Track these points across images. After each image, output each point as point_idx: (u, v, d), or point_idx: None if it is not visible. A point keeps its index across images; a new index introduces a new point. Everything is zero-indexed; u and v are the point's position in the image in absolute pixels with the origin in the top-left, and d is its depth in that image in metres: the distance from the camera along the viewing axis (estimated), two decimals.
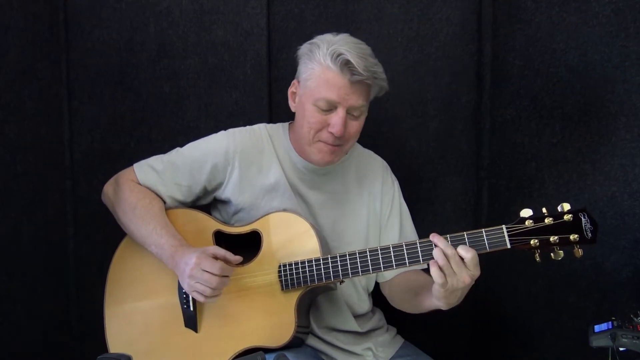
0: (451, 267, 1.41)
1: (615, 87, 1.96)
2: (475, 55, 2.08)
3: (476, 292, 2.10)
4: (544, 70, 2.03)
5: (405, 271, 1.74)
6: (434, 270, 1.43)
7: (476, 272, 1.43)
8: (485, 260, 2.08)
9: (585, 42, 1.98)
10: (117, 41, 2.12)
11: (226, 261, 1.58)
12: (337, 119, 1.60)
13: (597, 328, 1.53)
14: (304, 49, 1.65)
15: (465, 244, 1.45)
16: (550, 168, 2.04)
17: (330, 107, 1.60)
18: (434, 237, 1.45)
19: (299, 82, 1.67)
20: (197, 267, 1.54)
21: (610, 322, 1.52)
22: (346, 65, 1.56)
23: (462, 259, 1.42)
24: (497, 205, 2.10)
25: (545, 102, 2.03)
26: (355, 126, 1.65)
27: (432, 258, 1.45)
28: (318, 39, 1.63)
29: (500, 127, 2.08)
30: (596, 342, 1.50)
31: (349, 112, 1.61)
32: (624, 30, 1.95)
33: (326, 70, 1.58)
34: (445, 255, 1.42)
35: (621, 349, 1.48)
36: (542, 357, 2.09)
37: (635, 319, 1.50)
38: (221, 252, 1.58)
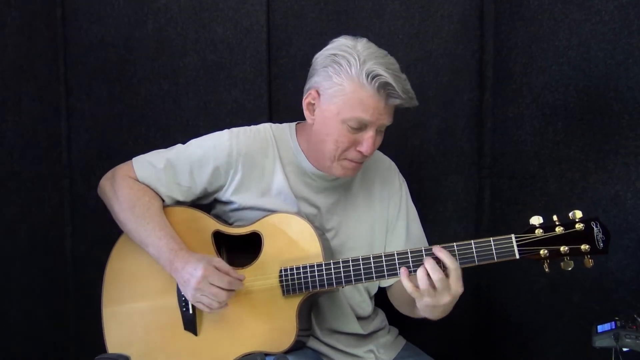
0: (433, 289, 1.40)
1: (618, 84, 1.94)
2: (477, 53, 2.07)
3: (478, 292, 2.10)
4: (546, 68, 2.01)
5: None
6: (405, 283, 1.42)
7: (458, 290, 1.41)
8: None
9: (588, 39, 1.97)
10: (115, 38, 2.11)
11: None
12: (368, 139, 1.54)
13: (600, 328, 1.52)
14: (324, 59, 1.55)
15: (472, 252, 1.43)
16: (552, 167, 2.02)
17: (361, 127, 1.54)
18: (437, 251, 1.44)
19: (319, 94, 1.57)
20: (205, 280, 1.51)
21: (613, 322, 1.51)
22: (384, 88, 1.48)
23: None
24: (499, 204, 2.08)
25: (548, 100, 2.02)
26: (379, 140, 1.60)
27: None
28: (339, 49, 1.53)
29: (502, 125, 2.07)
30: (599, 343, 1.49)
31: (377, 128, 1.56)
32: (627, 27, 1.93)
33: (360, 90, 1.49)
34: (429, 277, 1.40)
35: (624, 349, 1.47)
36: (545, 357, 2.07)
37: (639, 319, 1.49)
38: (225, 267, 1.55)
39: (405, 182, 1.82)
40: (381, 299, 1.84)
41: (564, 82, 1.99)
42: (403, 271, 1.44)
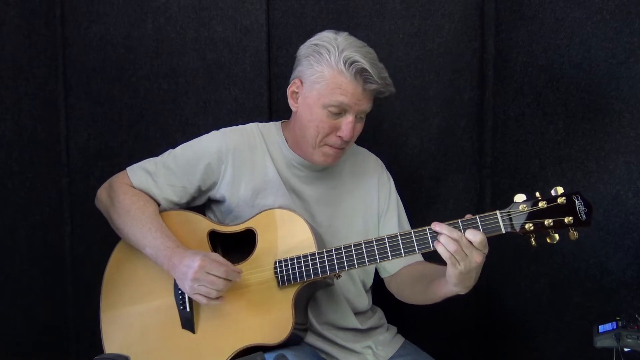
0: (462, 251, 1.40)
1: (619, 83, 1.94)
2: (478, 52, 2.06)
3: (478, 291, 2.09)
4: (547, 67, 2.00)
5: (410, 263, 1.74)
6: (446, 257, 1.42)
7: (486, 250, 1.43)
8: (487, 258, 2.08)
9: (589, 38, 1.96)
10: (115, 37, 2.10)
11: None
12: (347, 124, 1.60)
13: (601, 328, 1.52)
14: (306, 49, 1.63)
15: (460, 231, 1.44)
16: (554, 166, 2.02)
17: (341, 111, 1.60)
18: (435, 226, 1.45)
19: (302, 82, 1.64)
20: (202, 270, 1.52)
21: (614, 322, 1.51)
22: (360, 74, 1.56)
23: (470, 242, 1.41)
24: (500, 203, 2.03)
25: (549, 98, 2.01)
26: (359, 128, 1.66)
27: (428, 247, 1.46)
28: (320, 40, 1.61)
29: (503, 124, 2.06)
30: (600, 343, 1.50)
31: (356, 115, 1.61)
32: (629, 26, 1.92)
33: (338, 76, 1.56)
34: (452, 239, 1.41)
35: (626, 349, 1.47)
36: (546, 357, 2.07)
37: None
38: (222, 259, 1.56)
39: (391, 177, 1.85)
40: (380, 297, 1.84)
41: (565, 81, 1.99)
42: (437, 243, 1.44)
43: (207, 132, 1.75)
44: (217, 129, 1.76)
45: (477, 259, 1.41)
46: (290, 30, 2.10)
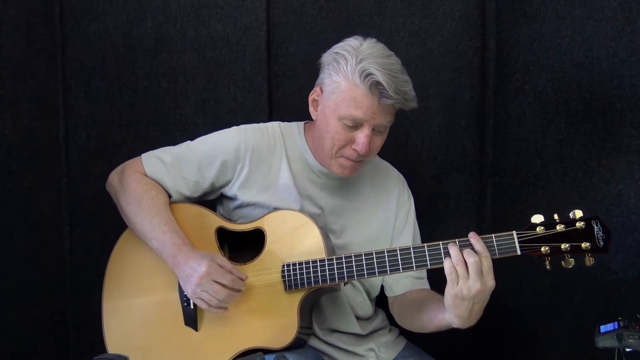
0: (466, 270, 1.39)
1: (621, 82, 1.93)
2: (479, 50, 2.05)
3: None
4: (548, 66, 2.00)
5: (417, 288, 1.72)
6: (447, 272, 1.40)
7: (489, 282, 1.41)
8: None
9: (590, 36, 1.95)
10: (114, 36, 2.10)
11: None
12: (362, 137, 1.55)
13: (602, 328, 1.51)
14: (328, 57, 1.59)
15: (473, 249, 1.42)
16: (555, 165, 2.01)
17: (356, 124, 1.55)
18: (451, 247, 1.43)
19: (322, 91, 1.61)
20: (208, 276, 1.50)
21: (616, 323, 1.51)
22: (376, 87, 1.50)
23: (481, 269, 1.39)
24: (501, 203, 2.07)
25: (550, 97, 2.00)
26: (379, 141, 1.61)
27: (441, 262, 1.44)
28: (343, 49, 1.55)
29: (504, 123, 2.05)
30: (602, 343, 1.49)
31: (374, 128, 1.57)
32: (630, 24, 1.92)
33: (353, 88, 1.52)
34: (463, 257, 1.39)
35: (627, 349, 1.46)
36: (547, 357, 2.06)
37: None
38: (228, 265, 1.55)
39: (412, 197, 1.82)
40: (382, 299, 1.83)
41: (567, 80, 1.98)
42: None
43: (207, 131, 1.74)
44: (217, 128, 1.74)
45: (477, 285, 1.38)
46: (290, 28, 2.09)
